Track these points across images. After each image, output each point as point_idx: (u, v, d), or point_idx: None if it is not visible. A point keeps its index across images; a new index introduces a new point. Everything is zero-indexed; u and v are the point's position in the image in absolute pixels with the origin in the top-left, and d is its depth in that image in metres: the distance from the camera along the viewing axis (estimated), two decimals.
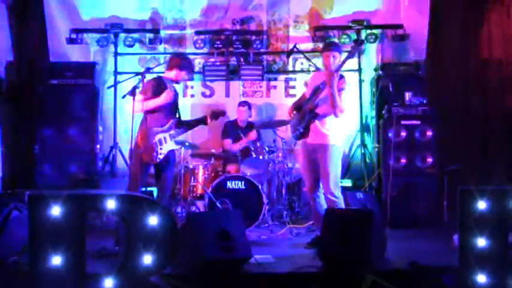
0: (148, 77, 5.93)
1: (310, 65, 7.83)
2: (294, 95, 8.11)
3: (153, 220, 3.81)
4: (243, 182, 6.70)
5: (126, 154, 6.80)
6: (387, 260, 4.80)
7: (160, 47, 8.22)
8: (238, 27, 8.19)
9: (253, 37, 8.06)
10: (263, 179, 7.13)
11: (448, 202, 6.74)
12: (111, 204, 3.77)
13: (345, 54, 5.50)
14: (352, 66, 7.65)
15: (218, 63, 8.08)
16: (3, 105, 7.64)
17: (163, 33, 8.15)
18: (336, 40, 7.64)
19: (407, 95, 7.14)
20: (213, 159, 7.15)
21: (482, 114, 7.78)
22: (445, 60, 7.96)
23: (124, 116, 7.51)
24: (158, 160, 5.47)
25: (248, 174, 6.88)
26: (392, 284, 4.08)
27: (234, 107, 7.88)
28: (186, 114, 7.60)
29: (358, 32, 7.84)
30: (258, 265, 4.58)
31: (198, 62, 8.19)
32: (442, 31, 7.90)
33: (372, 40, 7.88)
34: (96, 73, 7.72)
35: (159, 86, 5.60)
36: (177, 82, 5.87)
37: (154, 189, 6.12)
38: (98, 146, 7.55)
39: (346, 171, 7.65)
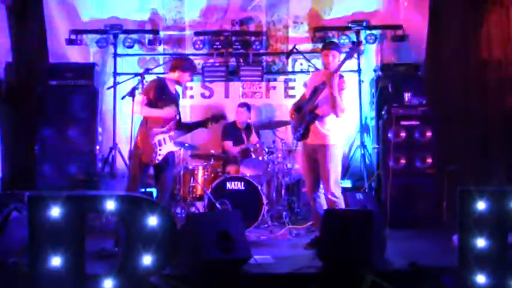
0: (148, 77, 5.94)
1: (309, 65, 7.84)
2: (293, 96, 8.11)
3: (152, 221, 3.81)
4: (242, 183, 6.70)
5: (126, 155, 6.79)
6: (387, 260, 4.80)
7: (160, 48, 8.21)
8: (237, 28, 8.20)
9: (253, 38, 8.05)
10: (262, 179, 7.13)
11: (447, 202, 6.74)
12: (110, 205, 3.77)
13: (344, 55, 5.51)
14: (351, 67, 7.65)
15: (217, 64, 8.08)
16: (3, 106, 7.64)
17: (162, 34, 8.15)
18: (335, 40, 7.63)
19: (407, 96, 7.14)
20: (212, 160, 7.15)
21: (482, 115, 7.78)
22: (444, 60, 7.96)
23: (123, 117, 7.51)
24: (157, 161, 5.47)
25: (247, 175, 6.88)
26: (392, 284, 4.08)
27: (233, 108, 7.87)
28: (185, 115, 7.62)
29: (357, 33, 7.85)
30: (257, 266, 4.58)
31: (197, 63, 8.14)
32: (441, 32, 7.90)
33: (371, 41, 7.88)
34: (95, 74, 7.71)
35: (161, 87, 5.58)
36: (180, 84, 5.86)
37: (154, 190, 6.12)
38: (98, 147, 7.55)
39: (346, 172, 7.64)
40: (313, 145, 5.50)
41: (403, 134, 7.06)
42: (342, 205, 5.46)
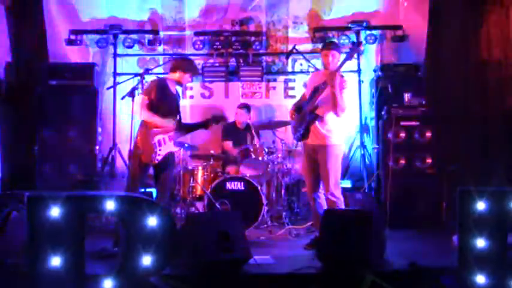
0: (148, 78, 5.93)
1: (309, 66, 7.84)
2: (293, 96, 8.11)
3: (152, 221, 3.81)
4: (242, 183, 6.70)
5: (126, 155, 6.79)
6: (386, 260, 4.80)
7: (160, 48, 8.22)
8: (237, 28, 8.20)
9: (253, 38, 8.06)
10: (262, 180, 7.13)
11: (447, 203, 6.74)
12: (110, 205, 3.77)
13: (344, 55, 5.51)
14: (351, 67, 7.65)
15: (217, 64, 8.08)
16: (3, 106, 7.64)
17: (162, 34, 8.15)
18: (335, 41, 7.63)
19: (407, 96, 7.14)
20: (212, 160, 7.15)
21: (482, 115, 7.78)
22: (444, 61, 7.96)
23: (123, 117, 7.51)
24: (157, 161, 5.47)
25: (247, 175, 6.88)
26: (392, 284, 4.09)
27: (233, 108, 7.88)
28: (185, 115, 7.62)
29: (357, 33, 7.85)
30: (257, 266, 4.58)
31: (197, 63, 8.14)
32: (441, 32, 7.90)
33: (371, 41, 7.89)
34: (95, 74, 7.71)
35: (162, 88, 5.58)
36: (180, 84, 5.86)
37: (154, 190, 6.12)
38: (97, 147, 7.55)
39: (346, 172, 7.65)
40: (313, 145, 5.50)
41: (402, 134, 7.05)
42: (342, 205, 5.46)
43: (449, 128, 7.50)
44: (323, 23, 8.21)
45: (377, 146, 7.53)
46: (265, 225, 6.79)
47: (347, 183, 7.50)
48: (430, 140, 7.05)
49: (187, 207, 6.91)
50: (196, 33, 8.04)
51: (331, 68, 5.39)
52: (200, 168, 7.11)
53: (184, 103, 7.90)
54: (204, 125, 6.00)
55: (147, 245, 3.78)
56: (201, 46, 8.00)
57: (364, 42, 7.86)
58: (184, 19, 8.27)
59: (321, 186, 5.52)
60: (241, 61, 8.09)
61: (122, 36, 7.92)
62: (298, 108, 5.65)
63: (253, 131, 7.46)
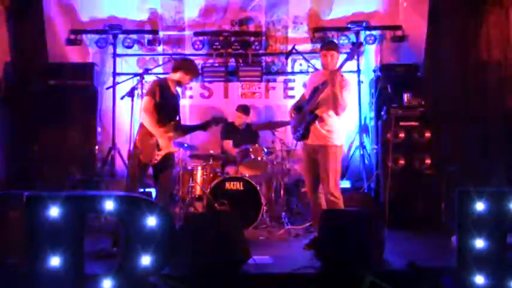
0: (147, 78, 5.93)
1: (309, 66, 7.84)
2: (292, 96, 8.13)
3: (151, 221, 3.81)
4: (241, 183, 6.70)
5: (125, 155, 6.79)
6: (385, 260, 4.80)
7: (159, 48, 8.23)
8: (237, 28, 8.21)
9: (252, 38, 8.07)
10: (261, 180, 7.13)
11: (446, 203, 6.74)
12: (109, 205, 3.77)
13: (343, 56, 5.51)
14: (351, 67, 7.65)
15: (217, 65, 8.09)
16: (2, 106, 7.64)
17: (162, 34, 8.16)
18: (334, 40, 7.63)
19: (406, 96, 7.15)
20: (211, 160, 7.15)
21: (481, 116, 7.77)
22: (443, 61, 7.95)
23: (123, 117, 7.51)
24: (156, 161, 5.46)
25: (247, 175, 6.88)
26: (391, 284, 4.08)
27: (232, 109, 7.88)
28: (184, 115, 7.63)
29: (357, 34, 7.85)
30: (256, 266, 4.58)
31: (196, 63, 8.16)
32: (440, 32, 7.89)
33: (370, 41, 7.90)
34: (94, 74, 7.72)
35: (164, 88, 5.56)
36: (181, 85, 5.86)
37: (153, 191, 6.12)
38: (97, 147, 7.56)
39: (345, 172, 7.65)
40: (313, 145, 5.49)
41: (402, 135, 7.06)
42: (342, 206, 5.45)
43: (448, 129, 7.49)
44: (323, 23, 8.22)
45: (376, 147, 7.53)
46: (265, 225, 6.79)
47: (346, 184, 7.50)
48: (430, 140, 7.06)
49: (187, 207, 6.91)
50: (196, 33, 8.05)
51: (330, 68, 5.39)
52: (199, 168, 7.12)
53: (184, 103, 7.91)
54: (203, 126, 6.00)
55: (146, 245, 3.78)
56: (200, 46, 8.00)
57: (363, 42, 7.86)
58: (183, 19, 8.28)
59: (321, 186, 5.52)
60: (241, 61, 8.10)
61: (121, 36, 7.93)
62: (298, 108, 5.65)
63: (257, 133, 7.47)
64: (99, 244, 5.18)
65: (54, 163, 7.30)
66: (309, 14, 8.27)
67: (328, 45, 5.57)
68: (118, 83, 7.07)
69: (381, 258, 4.78)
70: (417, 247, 5.72)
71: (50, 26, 7.90)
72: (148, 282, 3.83)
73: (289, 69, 8.35)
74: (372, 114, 7.83)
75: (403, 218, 6.63)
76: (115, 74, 7.81)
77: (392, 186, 6.68)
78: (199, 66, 7.94)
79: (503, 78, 7.78)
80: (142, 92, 5.71)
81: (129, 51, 8.06)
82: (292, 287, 4.34)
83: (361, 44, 7.72)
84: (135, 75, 6.06)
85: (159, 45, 8.15)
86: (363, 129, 7.98)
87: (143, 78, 5.73)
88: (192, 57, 7.01)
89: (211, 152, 7.28)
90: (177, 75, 5.68)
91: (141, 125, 5.51)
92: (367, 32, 7.90)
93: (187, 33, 8.24)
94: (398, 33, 7.88)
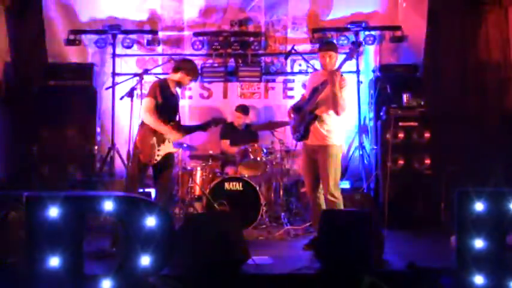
0: (147, 78, 5.92)
1: (308, 66, 7.84)
2: (292, 97, 8.13)
3: (150, 221, 3.80)
4: (240, 184, 6.70)
5: (124, 155, 6.79)
6: (385, 261, 4.80)
7: (159, 48, 8.22)
8: (236, 28, 8.20)
9: (252, 38, 8.07)
10: (261, 180, 7.13)
11: (445, 203, 6.75)
12: (109, 205, 3.77)
13: (342, 56, 5.51)
14: (350, 67, 7.65)
15: (216, 65, 8.09)
16: (1, 107, 7.64)
17: (161, 34, 8.16)
18: (333, 41, 7.63)
19: (405, 97, 7.15)
20: (211, 161, 7.16)
21: (480, 116, 7.79)
22: (442, 61, 7.97)
23: (122, 117, 7.51)
24: (155, 161, 5.46)
25: (246, 175, 6.88)
26: (390, 285, 4.08)
27: (231, 109, 7.88)
28: (184, 116, 7.62)
29: (356, 34, 7.85)
30: (256, 266, 4.58)
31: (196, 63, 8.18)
32: (440, 33, 7.91)
33: (370, 42, 7.89)
34: (94, 74, 7.72)
35: (164, 89, 5.55)
36: (181, 86, 5.86)
37: (153, 191, 6.12)
38: (96, 147, 7.56)
39: (344, 173, 7.64)
40: (313, 145, 5.49)
41: (401, 135, 7.06)
42: (341, 206, 5.45)
43: (447, 129, 7.50)
44: (322, 24, 8.21)
45: (375, 147, 7.53)
46: (264, 226, 6.79)
47: (346, 184, 7.50)
48: (429, 141, 7.06)
49: (186, 207, 6.91)
50: (195, 34, 8.05)
51: (329, 68, 5.39)
52: (199, 168, 7.12)
53: (183, 103, 7.91)
54: (203, 127, 6.00)
55: (146, 245, 3.78)
56: (199, 46, 8.00)
57: (362, 42, 7.87)
58: (183, 19, 8.27)
59: (321, 187, 5.52)
60: (240, 61, 8.09)
61: (120, 37, 7.93)
62: (297, 108, 5.65)
63: (256, 133, 7.48)
64: (98, 244, 5.18)
65: (53, 163, 7.30)
66: (308, 14, 8.27)
67: (326, 46, 5.57)
68: (117, 83, 7.06)
69: (380, 258, 4.78)
70: (416, 247, 5.73)
71: (49, 27, 7.91)
72: (147, 283, 3.83)
73: (288, 70, 8.35)
74: (371, 115, 7.83)
75: (403, 218, 6.63)
76: (114, 74, 7.80)
77: (392, 187, 6.68)
78: (199, 67, 7.94)
79: (503, 78, 7.80)
80: (141, 92, 5.71)
81: (129, 51, 8.06)
82: None
83: (360, 43, 7.72)
84: (135, 75, 6.06)
85: (159, 45, 8.15)
86: (362, 129, 7.98)
87: (142, 78, 5.72)
88: (191, 58, 7.00)
89: (211, 152, 7.29)
90: (177, 76, 5.68)
91: (141, 125, 5.50)
92: (367, 33, 7.90)
93: (187, 33, 8.24)
94: (398, 33, 7.88)
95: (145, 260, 3.78)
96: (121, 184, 6.75)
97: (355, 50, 5.82)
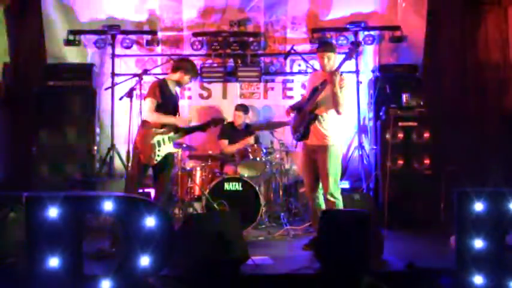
0: (146, 78, 5.91)
1: (307, 66, 7.83)
2: (291, 97, 8.13)
3: (150, 222, 3.81)
4: (240, 184, 6.70)
5: (124, 155, 6.79)
6: (384, 261, 4.81)
7: (158, 49, 8.21)
8: (235, 28, 8.19)
9: (251, 39, 8.06)
10: (260, 180, 7.13)
11: (445, 203, 6.75)
12: (108, 205, 3.77)
13: (342, 56, 5.51)
14: (350, 67, 7.64)
15: (215, 65, 8.07)
16: (0, 107, 7.64)
17: (160, 34, 8.15)
18: (333, 41, 7.63)
19: (405, 97, 7.15)
20: (210, 161, 7.15)
21: (479, 116, 7.80)
22: (442, 61, 7.98)
23: (121, 117, 7.50)
24: (156, 162, 5.47)
25: (245, 175, 6.88)
26: (390, 285, 4.09)
27: (231, 109, 7.87)
28: (183, 116, 7.60)
29: (355, 34, 7.85)
30: (255, 266, 4.58)
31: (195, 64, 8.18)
32: (439, 33, 7.91)
33: (369, 42, 7.89)
34: (93, 75, 7.71)
35: (164, 88, 5.56)
36: (180, 85, 5.86)
37: (152, 191, 6.12)
38: (96, 148, 7.55)
39: (344, 173, 7.64)
40: (313, 145, 5.49)
41: (401, 135, 7.07)
42: (341, 206, 5.45)
43: (447, 129, 7.51)
44: (321, 24, 8.20)
45: (375, 147, 7.53)
46: (264, 226, 6.80)
47: (345, 184, 7.49)
48: (428, 141, 7.06)
49: (186, 208, 6.90)
50: (195, 34, 8.04)
51: (328, 69, 5.39)
52: (198, 168, 7.12)
53: (183, 104, 7.89)
54: (202, 127, 6.00)
55: (145, 245, 3.78)
56: (199, 47, 8.00)
57: (362, 42, 7.87)
58: (182, 20, 8.26)
59: (320, 187, 5.52)
60: (240, 62, 8.08)
61: (120, 37, 7.92)
62: (297, 108, 5.65)
63: (252, 134, 7.47)
64: (98, 245, 5.17)
65: (53, 163, 7.29)
66: (308, 14, 8.26)
67: (324, 47, 5.56)
68: (117, 84, 7.06)
69: (379, 258, 4.79)
70: (416, 247, 5.73)
71: (49, 27, 7.90)
72: (147, 283, 3.83)
73: (287, 70, 8.34)
74: (371, 115, 7.83)
75: (402, 219, 6.64)
76: (114, 75, 7.79)
77: (391, 187, 6.69)
78: (198, 67, 7.94)
79: (502, 78, 7.81)
80: (141, 93, 5.70)
81: (128, 51, 8.05)
82: None
83: (359, 43, 7.72)
84: (134, 75, 6.05)
85: (158, 45, 8.14)
86: (362, 129, 7.97)
87: (142, 78, 5.71)
88: (190, 58, 6.99)
89: (210, 152, 7.28)
90: (176, 76, 5.69)
91: (141, 126, 5.51)
92: (366, 33, 7.89)
93: (186, 33, 8.23)
94: (397, 33, 7.87)
95: (144, 260, 3.79)
96: (120, 184, 6.74)
97: (354, 50, 5.82)
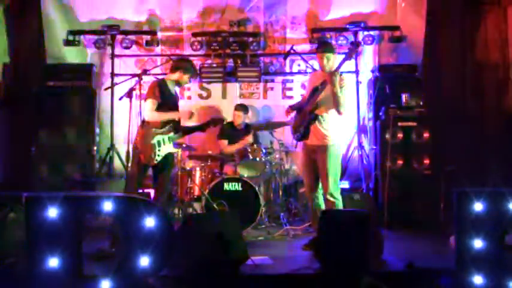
0: (146, 78, 5.91)
1: (307, 66, 7.84)
2: (291, 97, 8.13)
3: (149, 222, 3.81)
4: (240, 184, 6.70)
5: (124, 156, 6.79)
6: (384, 261, 4.81)
7: (157, 49, 8.21)
8: (235, 29, 8.19)
9: (250, 39, 8.06)
10: (260, 180, 7.13)
11: (444, 203, 6.75)
12: (108, 206, 3.77)
13: (342, 56, 5.51)
14: (349, 67, 7.64)
15: (215, 65, 8.06)
16: (1, 107, 7.63)
17: (160, 35, 8.15)
18: (332, 41, 7.63)
19: (404, 97, 7.16)
20: (209, 161, 7.15)
21: (479, 116, 7.79)
22: (441, 62, 7.97)
23: (121, 117, 7.49)
24: (156, 162, 5.47)
25: (245, 175, 6.88)
26: (389, 285, 4.09)
27: (230, 109, 7.87)
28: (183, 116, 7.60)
29: (355, 34, 7.85)
30: (255, 266, 4.58)
31: (195, 64, 8.16)
32: (438, 33, 7.91)
33: (369, 42, 7.89)
34: (93, 75, 7.71)
35: (163, 89, 5.56)
36: (180, 85, 5.86)
37: (152, 191, 6.12)
38: (95, 148, 7.55)
39: (344, 173, 7.64)
40: (313, 145, 5.49)
41: (400, 135, 7.08)
42: (341, 206, 5.45)
43: (446, 129, 7.51)
44: (321, 24, 8.20)
45: (375, 147, 7.53)
46: (263, 226, 6.79)
47: (345, 184, 7.50)
48: (428, 141, 7.07)
49: (185, 208, 6.90)
50: (194, 34, 8.04)
51: (327, 69, 5.40)
52: (198, 169, 7.12)
53: (182, 104, 7.87)
54: (202, 127, 6.01)
55: (145, 245, 3.78)
56: (198, 47, 8.00)
57: (361, 42, 7.87)
58: (181, 20, 8.26)
59: (320, 187, 5.52)
60: (239, 62, 8.08)
61: (119, 37, 7.91)
62: (297, 108, 5.65)
63: (251, 132, 7.46)
64: (97, 245, 5.17)
65: (52, 164, 7.29)
66: (307, 14, 8.26)
67: (322, 48, 5.55)
68: (116, 84, 7.06)
69: (379, 258, 4.79)
70: (415, 247, 5.73)
71: (48, 27, 7.90)
72: (146, 283, 3.83)
73: (287, 70, 8.34)
74: (370, 115, 7.83)
75: (402, 219, 6.65)
76: (113, 75, 7.79)
77: (391, 187, 6.70)
78: (198, 67, 7.94)
79: (501, 78, 7.80)
80: (140, 93, 5.71)
81: (128, 52, 8.05)
82: None
83: (359, 43, 7.72)
84: (133, 76, 6.05)
85: (157, 46, 8.13)
86: (361, 129, 7.97)
87: (141, 79, 5.72)
88: (190, 58, 6.99)
89: (210, 152, 7.28)
90: (175, 75, 5.69)
91: (141, 126, 5.51)
92: (365, 33, 7.89)
93: (186, 33, 8.23)
94: (397, 33, 7.87)
95: (144, 261, 3.79)
96: (120, 184, 6.74)
97: (354, 50, 5.82)
